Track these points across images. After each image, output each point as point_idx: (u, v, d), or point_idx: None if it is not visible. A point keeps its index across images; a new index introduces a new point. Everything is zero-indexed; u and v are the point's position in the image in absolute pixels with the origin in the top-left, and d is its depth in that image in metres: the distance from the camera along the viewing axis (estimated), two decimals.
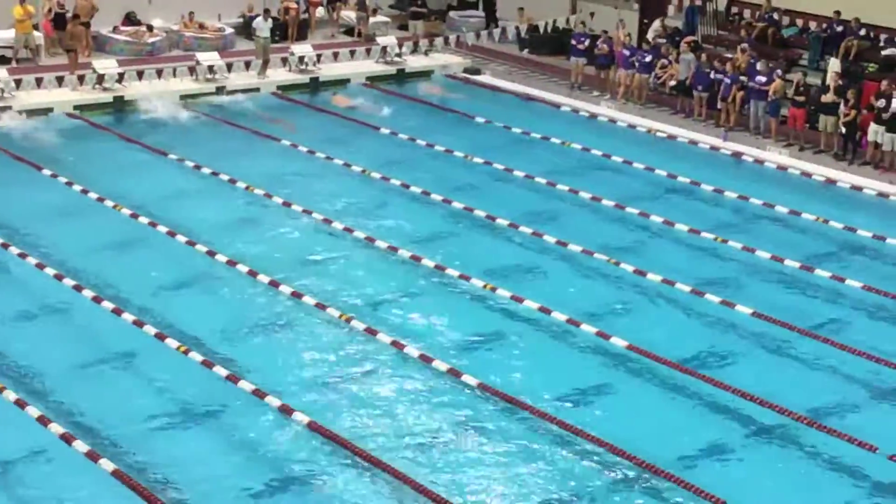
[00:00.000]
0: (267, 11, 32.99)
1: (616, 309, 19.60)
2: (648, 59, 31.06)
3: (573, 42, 32.70)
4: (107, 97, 29.68)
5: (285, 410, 15.94)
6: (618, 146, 27.72)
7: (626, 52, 31.27)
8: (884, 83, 26.76)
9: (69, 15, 31.92)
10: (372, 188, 24.91)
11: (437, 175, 25.63)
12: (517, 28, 35.71)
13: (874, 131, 26.49)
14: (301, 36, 35.45)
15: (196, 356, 17.23)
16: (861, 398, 17.05)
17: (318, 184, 25.15)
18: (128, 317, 18.40)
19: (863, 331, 18.95)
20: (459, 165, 26.54)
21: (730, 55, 29.92)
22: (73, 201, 23.41)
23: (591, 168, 26.63)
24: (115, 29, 33.70)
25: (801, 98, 27.71)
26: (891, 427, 16.20)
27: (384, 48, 33.71)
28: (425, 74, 33.75)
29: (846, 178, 26.07)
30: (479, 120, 29.72)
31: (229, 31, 34.70)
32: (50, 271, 19.95)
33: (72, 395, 16.44)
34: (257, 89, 31.44)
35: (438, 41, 35.02)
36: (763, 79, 28.28)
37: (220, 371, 16.83)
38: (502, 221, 22.80)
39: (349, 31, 36.54)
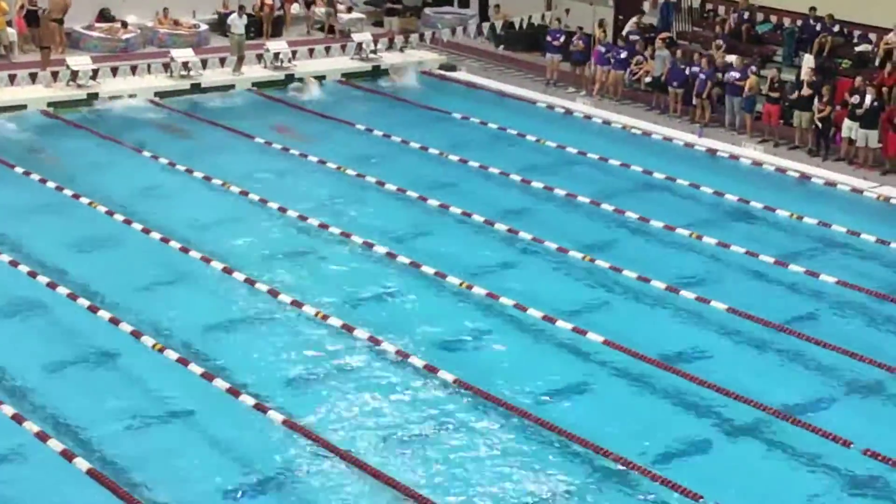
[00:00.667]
0: (242, 8, 32.91)
1: (592, 305, 19.61)
2: (624, 55, 31.10)
3: (549, 38, 32.75)
4: (81, 94, 29.56)
5: (261, 408, 15.91)
6: (593, 143, 27.75)
7: (602, 49, 31.32)
8: (857, 79, 26.86)
9: (42, 12, 31.76)
10: (347, 185, 24.87)
11: (413, 172, 25.61)
12: (493, 24, 35.72)
13: (848, 127, 26.59)
14: (276, 32, 35.37)
15: (171, 354, 17.19)
16: (836, 393, 17.11)
17: (293, 181, 25.11)
18: (103, 314, 18.34)
19: (837, 326, 19.02)
20: (435, 162, 26.53)
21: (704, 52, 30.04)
22: (47, 199, 23.30)
23: (566, 164, 26.64)
24: (89, 26, 33.57)
25: (776, 94, 27.80)
26: (865, 422, 16.27)
27: (359, 45, 33.67)
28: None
29: (820, 173, 26.17)
30: (455, 116, 29.71)
31: (204, 27, 34.61)
32: (24, 269, 19.86)
33: (46, 393, 16.36)
34: (232, 86, 31.37)
35: (414, 37, 34.98)
36: (737, 75, 28.36)
37: (196, 369, 16.79)
38: (478, 218, 22.80)
39: (323, 27, 36.49)
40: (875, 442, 15.45)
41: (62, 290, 19.08)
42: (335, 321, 18.44)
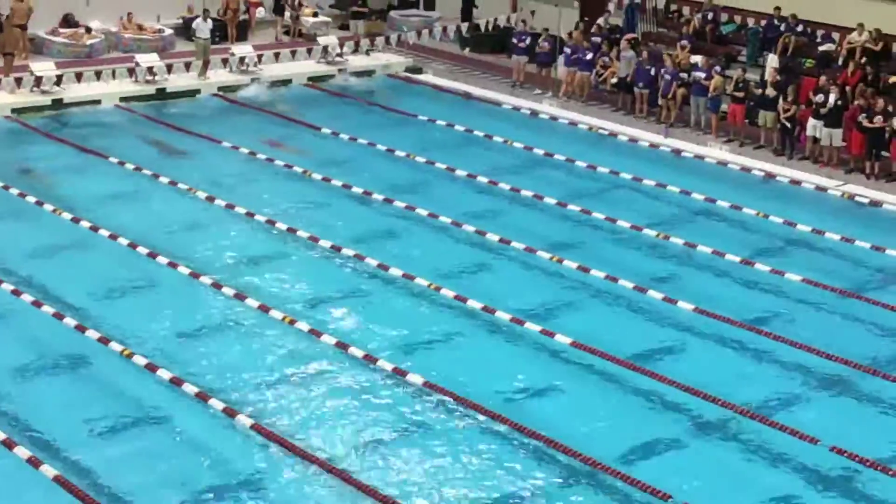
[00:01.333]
0: (206, 12, 32.82)
1: (560, 306, 19.65)
2: (589, 56, 31.18)
3: (514, 40, 32.81)
4: (45, 100, 29.40)
5: (229, 413, 15.86)
6: (560, 144, 27.83)
7: (568, 50, 31.39)
8: (822, 78, 27.05)
9: (5, 18, 31.56)
10: (314, 188, 24.83)
11: (379, 174, 25.59)
12: (458, 26, 35.73)
13: (812, 126, 26.75)
14: (241, 37, 35.29)
15: (139, 360, 17.11)
16: (802, 391, 17.20)
17: (260, 185, 25.04)
18: (69, 321, 18.24)
19: (803, 324, 19.12)
20: (402, 165, 26.52)
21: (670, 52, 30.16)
22: (11, 205, 23.16)
23: (533, 166, 26.70)
24: (52, 31, 33.37)
25: (741, 94, 27.94)
26: (832, 419, 16.37)
27: (325, 48, 33.63)
28: (367, 74, 33.70)
29: (785, 172, 26.33)
30: (422, 119, 29.72)
31: (168, 32, 34.47)
32: None
33: (13, 399, 16.26)
34: (198, 90, 31.26)
35: (380, 41, 34.97)
36: (702, 75, 28.48)
37: (164, 374, 16.73)
38: (445, 220, 22.81)
39: (289, 31, 36.42)
40: (842, 439, 15.53)
41: (27, 297, 18.97)
42: (303, 325, 18.40)
